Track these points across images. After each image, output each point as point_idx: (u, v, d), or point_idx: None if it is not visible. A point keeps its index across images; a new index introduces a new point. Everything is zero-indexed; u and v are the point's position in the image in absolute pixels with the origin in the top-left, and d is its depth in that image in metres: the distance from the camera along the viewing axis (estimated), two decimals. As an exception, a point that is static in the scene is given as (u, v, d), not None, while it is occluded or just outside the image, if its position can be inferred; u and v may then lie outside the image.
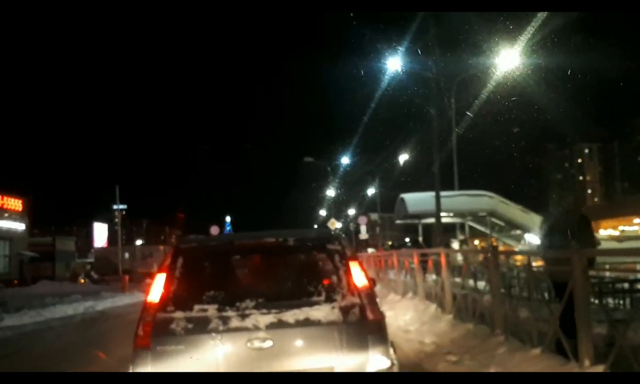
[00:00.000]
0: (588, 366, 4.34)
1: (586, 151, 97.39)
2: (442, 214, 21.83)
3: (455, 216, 28.58)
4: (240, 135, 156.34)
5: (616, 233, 45.07)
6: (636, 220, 46.77)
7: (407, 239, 40.07)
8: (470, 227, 30.92)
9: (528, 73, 24.48)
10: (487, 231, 30.08)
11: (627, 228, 47.66)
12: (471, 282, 8.75)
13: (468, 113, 24.38)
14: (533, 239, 28.43)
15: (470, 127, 27.27)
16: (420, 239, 32.12)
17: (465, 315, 8.12)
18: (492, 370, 5.65)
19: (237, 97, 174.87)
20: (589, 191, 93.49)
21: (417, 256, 12.17)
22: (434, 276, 11.36)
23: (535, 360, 5.13)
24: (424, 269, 11.85)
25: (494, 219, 28.85)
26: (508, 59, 21.16)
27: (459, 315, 8.45)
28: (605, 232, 43.04)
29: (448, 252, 11.06)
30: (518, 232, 29.98)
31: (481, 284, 8.58)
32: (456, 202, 25.88)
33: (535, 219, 28.63)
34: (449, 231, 30.90)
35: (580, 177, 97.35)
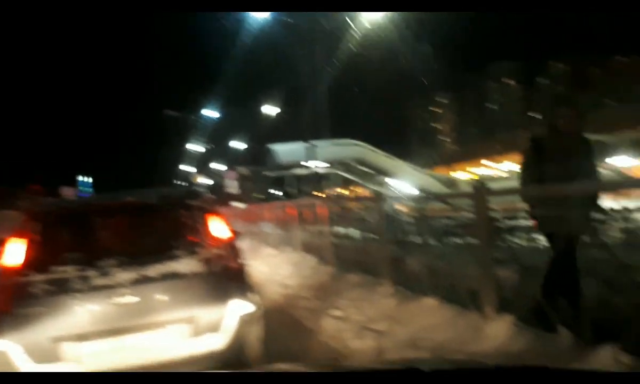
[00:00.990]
0: (492, 317, 4.00)
1: (441, 100, 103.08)
2: (313, 163, 21.65)
3: (327, 165, 28.63)
4: (97, 89, 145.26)
5: (469, 176, 48.66)
6: (484, 161, 50.75)
7: (277, 191, 39.93)
8: (342, 176, 31.20)
9: (392, 25, 24.77)
10: (357, 179, 30.54)
11: (476, 170, 51.60)
12: (352, 231, 8.35)
13: (335, 61, 24.24)
14: (399, 184, 29.38)
15: (338, 78, 27.26)
16: (295, 190, 31.97)
17: (348, 266, 7.71)
18: (383, 324, 5.25)
19: (94, 47, 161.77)
20: (445, 139, 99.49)
21: (293, 207, 11.61)
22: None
23: (431, 311, 4.76)
24: (301, 221, 11.35)
25: (363, 168, 29.26)
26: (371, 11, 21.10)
27: (341, 266, 8.03)
28: (458, 174, 46.16)
29: (327, 202, 10.62)
30: (384, 178, 30.73)
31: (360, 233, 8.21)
32: (326, 151, 25.81)
33: (401, 166, 29.52)
34: (320, 181, 30.93)
35: (437, 126, 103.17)
